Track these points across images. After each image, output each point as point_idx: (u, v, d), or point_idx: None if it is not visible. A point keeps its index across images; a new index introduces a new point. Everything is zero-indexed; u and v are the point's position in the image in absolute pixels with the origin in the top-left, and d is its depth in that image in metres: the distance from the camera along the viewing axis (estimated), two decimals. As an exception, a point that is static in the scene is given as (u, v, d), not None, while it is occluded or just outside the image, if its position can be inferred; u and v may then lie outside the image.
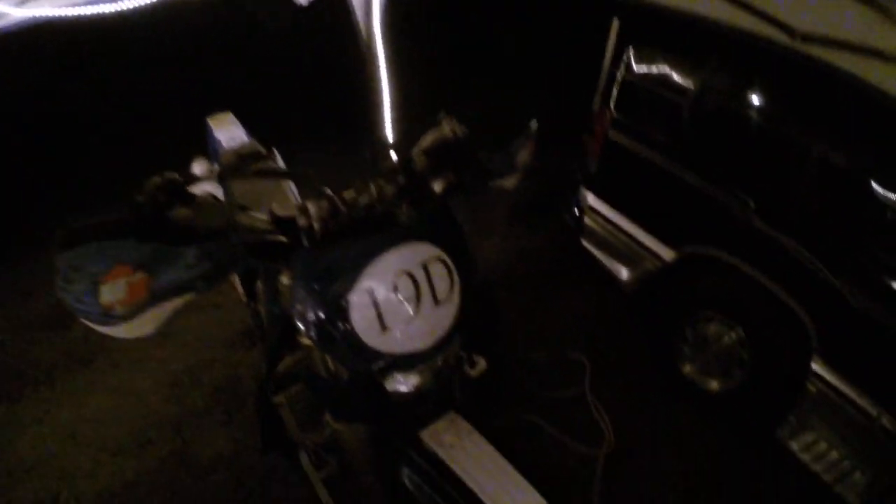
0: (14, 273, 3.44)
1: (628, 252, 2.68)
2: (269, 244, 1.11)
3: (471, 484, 1.09)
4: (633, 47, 2.51)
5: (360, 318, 1.06)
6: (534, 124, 1.36)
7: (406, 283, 1.08)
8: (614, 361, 2.74)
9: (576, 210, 2.90)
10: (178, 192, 1.06)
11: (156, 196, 1.03)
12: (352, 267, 1.06)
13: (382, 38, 2.67)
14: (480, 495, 1.07)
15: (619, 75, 2.57)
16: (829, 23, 1.81)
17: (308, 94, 5.12)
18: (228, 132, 2.30)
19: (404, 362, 1.14)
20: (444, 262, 1.13)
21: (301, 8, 2.69)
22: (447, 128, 1.25)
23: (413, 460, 1.19)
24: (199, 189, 1.13)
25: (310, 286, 1.07)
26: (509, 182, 1.38)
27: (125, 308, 0.97)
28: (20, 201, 4.02)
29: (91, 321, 0.98)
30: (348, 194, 1.18)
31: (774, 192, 2.13)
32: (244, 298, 2.16)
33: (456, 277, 1.14)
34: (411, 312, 1.09)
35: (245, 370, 2.70)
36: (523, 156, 1.36)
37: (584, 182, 2.85)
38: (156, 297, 0.99)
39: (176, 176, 1.08)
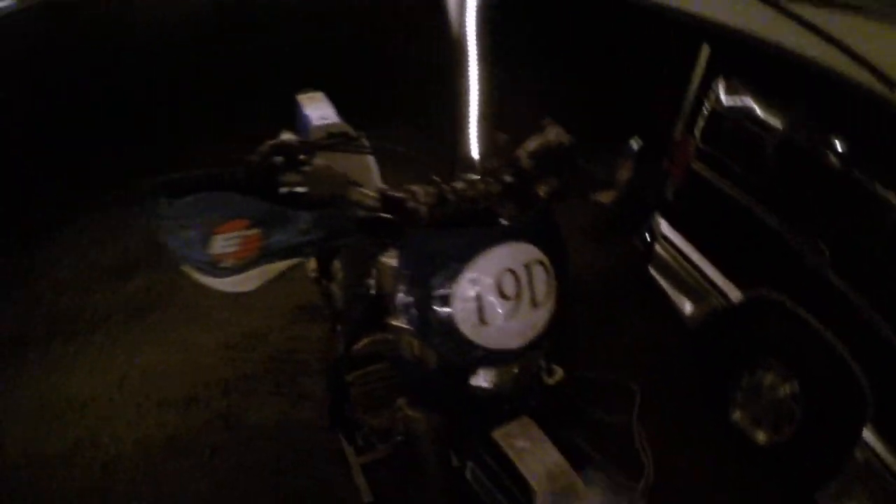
0: (89, 220, 3.59)
1: (695, 286, 2.61)
2: (379, 221, 1.12)
3: (537, 489, 1.08)
4: (724, 78, 2.46)
5: (461, 308, 1.07)
6: (636, 143, 1.35)
7: (509, 281, 1.08)
8: (665, 394, 2.67)
9: (647, 236, 2.85)
10: (292, 156, 1.08)
11: (269, 157, 1.06)
12: (460, 257, 1.07)
13: (476, 36, 2.66)
14: (540, 495, 1.07)
15: (707, 105, 2.51)
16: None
17: (394, 82, 5.16)
18: (319, 110, 2.34)
19: (494, 358, 1.14)
20: (544, 265, 1.13)
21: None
22: (552, 134, 1.26)
23: (481, 457, 1.19)
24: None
25: (418, 270, 1.08)
26: (606, 197, 1.38)
27: (234, 261, 0.99)
28: (100, 154, 4.16)
29: (195, 269, 1.00)
30: (457, 185, 1.19)
31: (853, 245, 2.05)
32: (314, 275, 2.17)
33: (553, 282, 1.15)
34: (510, 310, 1.09)
35: (301, 344, 2.72)
36: (623, 173, 1.36)
37: (659, 209, 2.79)
38: (264, 256, 1.02)
39: (292, 140, 1.11)
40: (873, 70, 1.86)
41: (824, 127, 2.15)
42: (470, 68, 2.71)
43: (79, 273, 3.16)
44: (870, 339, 1.94)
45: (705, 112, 2.52)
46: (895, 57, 1.80)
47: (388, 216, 1.13)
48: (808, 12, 1.59)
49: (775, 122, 2.28)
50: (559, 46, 5.82)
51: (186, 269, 1.01)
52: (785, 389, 2.27)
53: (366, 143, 2.15)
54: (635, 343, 2.95)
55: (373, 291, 1.36)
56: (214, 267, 0.98)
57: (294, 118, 2.47)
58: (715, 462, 2.43)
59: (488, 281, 1.07)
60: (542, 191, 1.23)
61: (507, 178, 1.21)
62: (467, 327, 1.08)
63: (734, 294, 2.43)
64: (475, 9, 2.70)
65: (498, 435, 1.18)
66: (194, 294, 2.96)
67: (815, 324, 2.11)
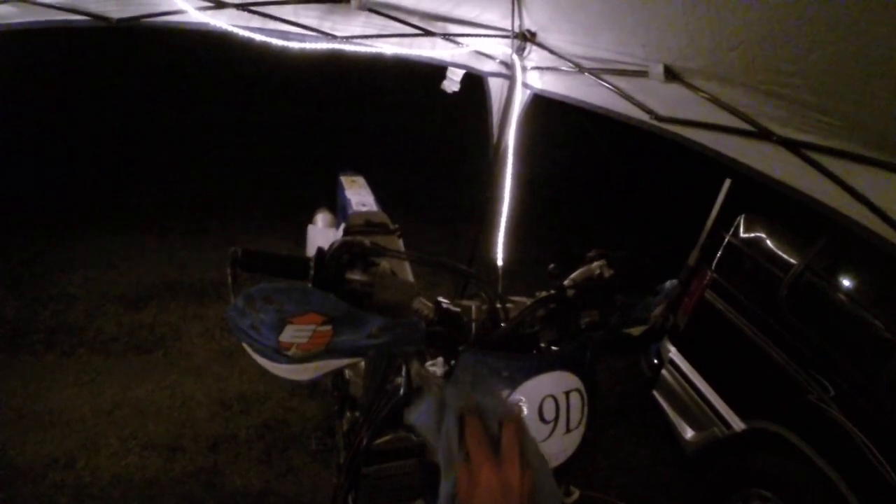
0: (107, 242, 3.57)
1: (698, 413, 2.59)
2: (436, 334, 1.13)
3: None
4: (746, 215, 2.60)
5: None
6: (674, 283, 1.41)
7: (549, 407, 1.10)
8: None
9: (654, 360, 2.88)
10: (363, 257, 1.10)
11: (340, 254, 1.08)
12: (509, 380, 1.08)
13: (514, 150, 2.78)
14: None
15: (727, 238, 2.63)
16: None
17: (429, 178, 5.31)
18: (359, 196, 2.38)
19: None
20: (580, 393, 1.15)
21: (447, 95, 2.85)
22: (597, 267, 1.30)
23: None
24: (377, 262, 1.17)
25: (468, 387, 1.08)
26: (637, 331, 1.42)
27: (299, 352, 0.98)
28: (138, 180, 4.22)
29: (254, 349, 0.98)
30: (507, 305, 1.21)
31: (857, 384, 2.09)
32: None
33: (585, 409, 1.16)
34: (547, 434, 1.10)
35: (296, 417, 2.63)
36: (659, 310, 1.40)
37: (669, 335, 2.84)
38: (329, 353, 1.01)
39: (366, 242, 1.13)
40: (889, 221, 1.98)
41: (836, 269, 2.25)
42: (507, 177, 2.81)
43: (89, 291, 3.10)
44: (871, 477, 1.93)
45: (724, 244, 2.64)
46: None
47: (442, 329, 1.15)
48: (833, 163, 1.70)
49: (790, 259, 2.36)
50: (590, 165, 6.09)
51: (245, 344, 0.98)
52: (779, 524, 2.22)
53: (399, 243, 2.22)
54: (627, 463, 2.87)
55: (402, 391, 1.37)
56: (277, 353, 0.97)
57: (333, 195, 2.52)
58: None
59: (531, 406, 1.08)
60: (583, 321, 1.25)
61: (552, 306, 1.23)
62: None
63: (736, 423, 2.42)
64: (517, 119, 2.84)
65: None
66: (199, 343, 2.91)
67: (814, 457, 2.11)
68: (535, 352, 1.18)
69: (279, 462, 2.38)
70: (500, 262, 2.96)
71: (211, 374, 2.72)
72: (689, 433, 2.63)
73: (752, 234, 2.55)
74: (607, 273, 1.28)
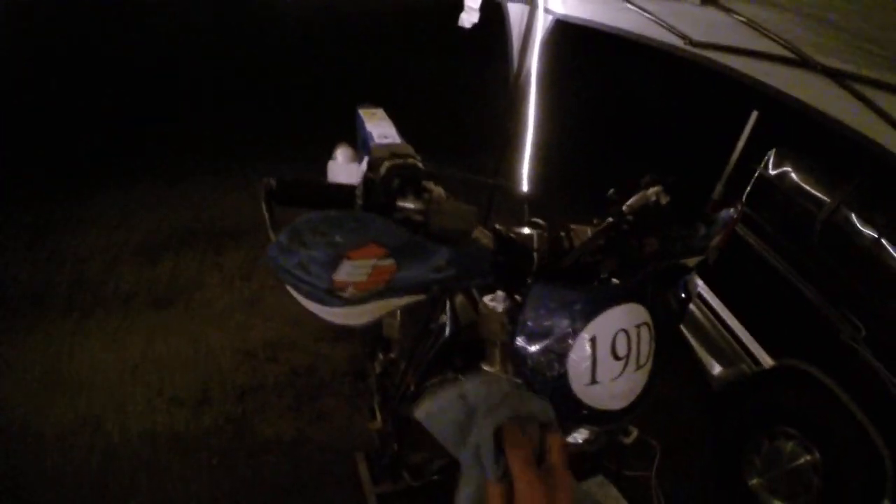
0: (114, 197, 3.45)
1: (726, 349, 2.56)
2: (502, 265, 1.03)
3: None
4: (777, 149, 2.48)
5: (576, 366, 1.00)
6: (731, 212, 1.31)
7: (622, 342, 1.02)
8: (685, 453, 2.59)
9: (682, 294, 2.82)
10: (414, 181, 0.99)
11: (391, 178, 0.97)
12: (584, 314, 1.00)
13: (537, 79, 2.62)
14: None
15: (757, 172, 2.52)
16: None
17: (450, 112, 5.09)
18: (381, 128, 2.25)
19: (597, 419, 1.06)
20: (649, 326, 1.07)
21: (465, 29, 2.67)
22: (653, 193, 1.20)
23: None
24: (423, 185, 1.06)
25: (539, 322, 1.00)
26: (692, 262, 1.33)
27: (357, 292, 0.85)
28: (134, 133, 4.06)
29: (302, 292, 0.84)
30: (566, 233, 1.12)
31: (889, 325, 2.06)
32: None
33: (654, 344, 1.08)
34: (619, 371, 1.02)
35: (324, 363, 2.59)
36: (717, 240, 1.31)
37: (697, 268, 2.76)
38: (390, 291, 0.89)
39: (417, 162, 1.02)
40: None
41: (873, 206, 2.17)
42: (529, 106, 2.66)
43: (107, 246, 3.02)
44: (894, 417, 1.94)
45: (754, 178, 2.53)
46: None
47: (506, 259, 1.05)
48: (878, 96, 1.58)
49: (824, 195, 2.28)
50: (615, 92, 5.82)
51: (291, 289, 0.86)
52: (806, 459, 2.23)
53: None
54: (659, 399, 2.86)
55: (449, 330, 1.29)
56: (331, 294, 0.83)
57: (353, 130, 2.39)
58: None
59: (605, 340, 1.01)
60: (643, 250, 1.17)
61: (613, 234, 1.14)
62: (579, 386, 1.01)
63: (765, 360, 2.40)
64: (540, 46, 2.66)
65: (579, 494, 1.09)
66: (219, 292, 2.84)
67: (843, 397, 2.10)
68: (599, 283, 1.10)
69: (309, 409, 2.36)
70: (525, 191, 2.86)
71: (234, 323, 2.67)
72: (716, 369, 2.61)
73: (785, 169, 2.44)
74: (664, 200, 1.19)
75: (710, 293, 2.66)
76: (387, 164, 1.00)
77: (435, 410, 0.80)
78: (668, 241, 1.20)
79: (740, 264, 2.57)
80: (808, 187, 2.36)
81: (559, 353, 1.00)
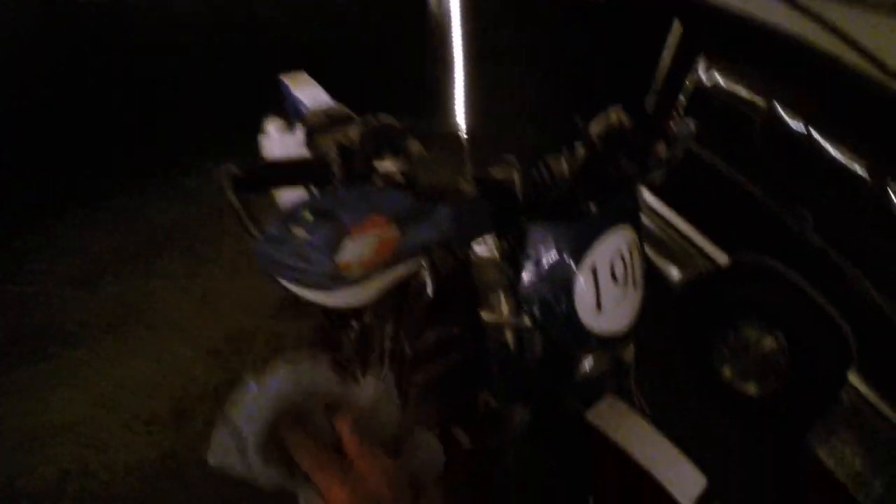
0: (48, 223, 3.14)
1: (682, 253, 2.64)
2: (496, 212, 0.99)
3: (645, 464, 1.05)
4: (705, 55, 2.49)
5: (582, 296, 1.00)
6: (689, 125, 1.31)
7: (619, 265, 1.03)
8: (655, 356, 2.68)
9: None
10: (392, 140, 0.93)
11: (368, 141, 0.90)
12: (582, 245, 0.99)
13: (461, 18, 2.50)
14: (658, 476, 1.03)
15: (689, 82, 2.54)
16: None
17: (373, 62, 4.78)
18: (309, 92, 2.11)
19: (606, 344, 1.07)
20: (638, 246, 1.09)
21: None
22: (614, 116, 1.18)
23: (574, 442, 1.14)
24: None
25: (540, 261, 0.99)
26: (657, 177, 1.33)
27: (361, 270, 0.77)
28: (61, 157, 3.62)
29: (301, 283, 0.78)
30: (540, 167, 1.08)
31: (833, 210, 2.18)
32: None
33: (644, 263, 1.11)
34: (621, 294, 1.04)
35: (289, 342, 2.49)
36: (678, 154, 1.31)
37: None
38: (396, 260, 0.81)
39: (394, 121, 0.94)
40: (866, 53, 1.94)
41: (805, 103, 2.24)
42: (453, 46, 2.56)
43: (44, 285, 2.76)
44: (851, 292, 2.06)
45: (688, 88, 2.55)
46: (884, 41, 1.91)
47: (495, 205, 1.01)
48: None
49: (760, 98, 2.33)
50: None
51: (287, 283, 0.80)
52: (771, 343, 2.35)
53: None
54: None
55: (430, 286, 1.24)
56: (335, 278, 0.75)
57: (279, 102, 2.22)
58: (707, 416, 2.47)
59: (605, 266, 1.01)
60: (616, 172, 1.16)
61: (582, 160, 1.12)
62: (587, 315, 1.02)
63: (720, 258, 2.49)
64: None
65: (591, 416, 1.13)
66: (168, 298, 2.67)
67: (800, 281, 2.20)
68: (588, 211, 1.09)
69: None
70: (463, 131, 2.80)
71: (192, 326, 2.53)
72: (674, 274, 2.69)
73: (716, 75, 2.48)
74: (627, 122, 1.18)
75: (659, 202, 2.72)
76: (358, 127, 0.92)
77: (216, 455, 0.57)
78: (639, 162, 1.18)
79: (686, 172, 2.62)
80: (742, 91, 2.40)
81: (565, 288, 0.99)
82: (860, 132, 2.15)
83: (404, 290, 1.34)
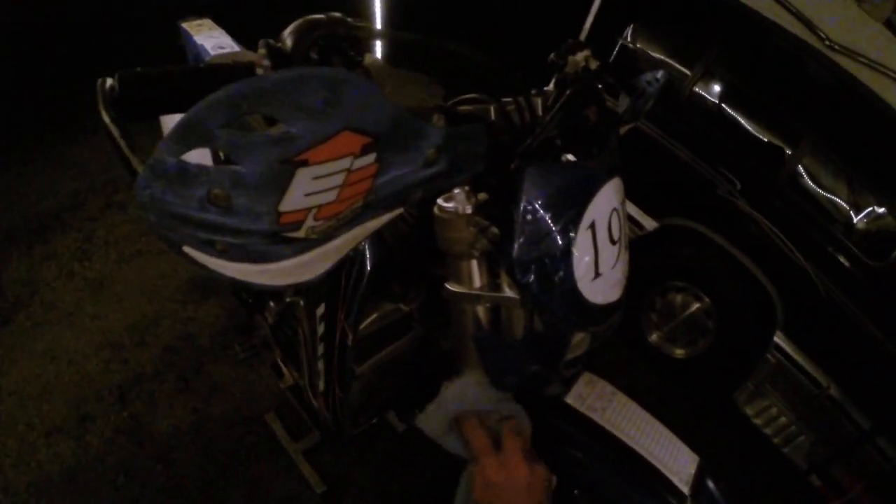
0: None
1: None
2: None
3: (636, 446, 0.95)
4: (636, 23, 2.45)
5: (580, 260, 0.83)
6: (664, 75, 1.18)
7: (615, 223, 0.87)
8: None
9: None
10: (342, 45, 0.67)
11: (309, 34, 0.63)
12: (579, 197, 0.82)
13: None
14: (650, 458, 0.94)
15: (618, 46, 2.47)
16: (859, 35, 1.85)
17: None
18: (214, 39, 1.82)
19: (602, 315, 0.90)
20: (624, 202, 0.94)
21: None
22: (581, 59, 0.99)
23: (558, 428, 0.99)
24: None
25: (541, 212, 0.79)
26: (625, 129, 1.19)
27: (319, 225, 0.53)
28: None
29: (216, 252, 0.48)
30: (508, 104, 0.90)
31: (761, 177, 2.21)
32: None
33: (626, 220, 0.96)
34: (615, 256, 0.88)
35: (199, 328, 2.25)
36: (649, 105, 1.17)
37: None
38: (367, 210, 0.59)
39: (345, 19, 0.66)
40: (806, 22, 1.92)
41: (733, 69, 2.25)
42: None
43: None
44: (777, 256, 2.11)
45: (616, 51, 2.48)
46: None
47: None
48: None
49: (687, 63, 2.32)
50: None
51: (191, 252, 0.48)
52: (697, 307, 2.38)
53: None
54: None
55: (370, 257, 1.03)
56: (275, 240, 0.49)
57: (181, 51, 1.92)
58: (639, 380, 2.46)
59: (603, 224, 0.85)
60: (596, 119, 0.98)
61: (557, 102, 0.92)
62: (585, 284, 0.85)
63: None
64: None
65: (571, 399, 0.99)
66: (59, 287, 2.32)
67: (727, 246, 2.23)
68: (580, 159, 0.93)
69: (199, 384, 2.06)
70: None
71: (86, 317, 2.20)
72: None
73: (645, 39, 2.42)
74: (593, 64, 1.02)
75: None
76: (296, 23, 0.64)
77: (427, 414, 0.88)
78: (609, 111, 1.01)
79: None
80: (672, 58, 2.36)
81: (563, 251, 0.82)
82: (786, 99, 2.16)
83: (344, 260, 1.12)
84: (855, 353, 2.05)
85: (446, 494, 0.95)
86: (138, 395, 1.99)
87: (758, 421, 2.27)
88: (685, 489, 0.92)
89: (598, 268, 0.85)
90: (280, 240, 0.50)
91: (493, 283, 0.86)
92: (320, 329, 1.21)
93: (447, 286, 0.88)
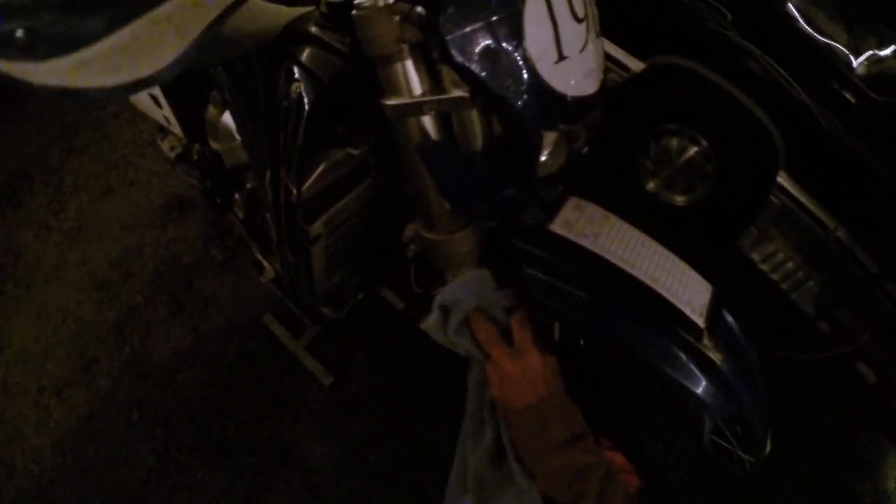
0: None
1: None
2: None
3: (638, 275, 0.83)
4: None
5: (535, 37, 0.70)
6: None
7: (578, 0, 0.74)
8: (583, 182, 2.49)
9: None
10: None
11: None
12: None
13: None
14: (654, 286, 0.82)
15: None
16: None
17: None
18: None
19: (575, 109, 0.77)
20: None
21: None
22: None
23: (542, 259, 0.86)
24: None
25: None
26: None
27: None
28: None
29: (15, 51, 0.42)
30: None
31: (755, 5, 1.93)
32: (176, 151, 1.55)
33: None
34: (583, 37, 0.75)
35: (182, 246, 2.25)
36: None
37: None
38: None
39: None
40: None
41: None
42: None
43: None
44: (776, 92, 1.88)
45: None
46: None
47: None
48: None
49: None
50: None
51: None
52: (694, 150, 2.18)
53: None
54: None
55: (307, 97, 0.91)
56: (73, 10, 0.42)
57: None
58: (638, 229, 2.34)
59: None
60: None
61: None
62: (547, 67, 0.72)
63: (634, 64, 2.20)
64: None
65: (557, 226, 0.87)
66: (41, 244, 2.34)
67: (722, 82, 1.99)
68: None
69: (192, 302, 2.10)
70: None
71: (71, 268, 2.24)
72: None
73: None
74: None
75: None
76: None
77: (430, 322, 0.88)
78: None
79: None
80: None
81: (511, 17, 0.69)
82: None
83: (277, 118, 0.99)
84: (861, 193, 1.86)
85: (452, 370, 0.96)
86: (135, 327, 2.06)
87: (764, 266, 2.14)
88: (700, 321, 0.81)
89: (560, 48, 0.72)
90: (78, 8, 0.41)
91: (437, 88, 0.74)
92: (270, 196, 1.11)
93: (383, 102, 0.76)
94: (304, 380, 1.89)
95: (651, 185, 2.37)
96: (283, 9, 1.01)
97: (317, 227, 1.10)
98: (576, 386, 0.85)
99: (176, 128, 1.48)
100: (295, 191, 1.00)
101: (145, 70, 0.46)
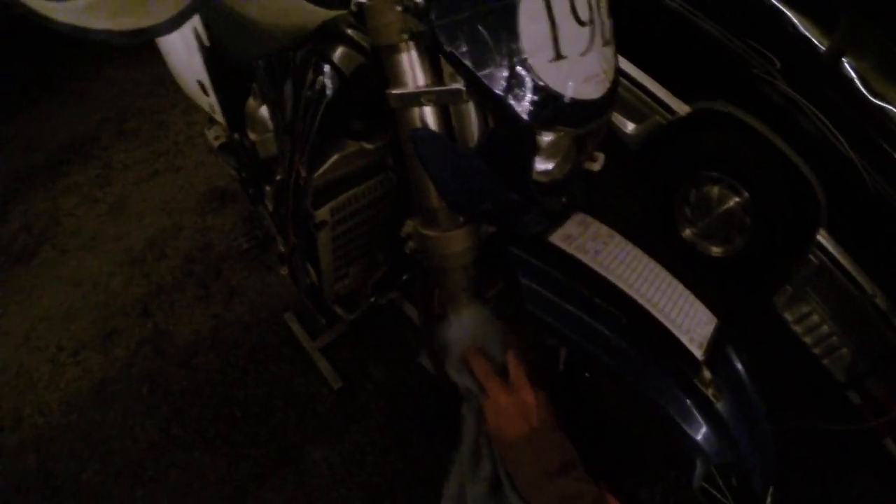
0: None
1: (637, 105, 2.32)
2: None
3: (635, 296, 0.80)
4: None
5: (530, 30, 0.70)
6: None
7: (583, 2, 0.74)
8: (614, 221, 2.47)
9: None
10: None
11: None
12: None
13: None
14: (648, 307, 0.79)
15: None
16: None
17: None
18: None
19: (571, 112, 0.75)
20: None
21: None
22: None
23: (539, 270, 0.85)
24: None
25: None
26: None
27: None
28: None
29: None
30: None
31: (802, 55, 1.89)
32: (220, 140, 1.62)
33: (612, 19, 0.81)
34: (587, 41, 0.74)
35: (217, 236, 2.30)
36: None
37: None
38: None
39: None
40: None
41: None
42: None
43: None
44: (821, 145, 1.82)
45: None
46: None
47: None
48: None
49: None
50: None
51: None
52: (734, 201, 2.14)
53: None
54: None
55: (331, 88, 0.95)
56: None
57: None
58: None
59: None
60: None
61: None
62: (541, 63, 0.71)
63: (679, 108, 2.18)
64: None
65: (557, 238, 0.86)
66: (82, 215, 2.43)
67: (766, 132, 1.95)
68: None
69: (218, 290, 2.14)
70: None
71: (108, 240, 2.32)
72: (629, 127, 2.40)
73: None
74: None
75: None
76: None
77: (429, 364, 1.02)
78: None
79: (641, 18, 2.21)
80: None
81: (505, 17, 0.69)
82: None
83: (299, 101, 1.03)
84: (903, 258, 1.78)
85: (460, 396, 0.96)
86: (160, 306, 2.10)
87: (797, 328, 2.04)
88: (697, 353, 0.76)
89: (558, 46, 0.71)
90: None
91: (437, 80, 0.76)
92: (282, 176, 1.15)
93: (388, 92, 0.78)
94: (316, 381, 1.89)
95: (687, 233, 2.33)
96: (321, 10, 1.08)
97: (323, 213, 1.12)
98: (575, 422, 0.86)
99: (220, 116, 1.53)
100: (304, 174, 1.03)
101: (148, 20, 0.51)
